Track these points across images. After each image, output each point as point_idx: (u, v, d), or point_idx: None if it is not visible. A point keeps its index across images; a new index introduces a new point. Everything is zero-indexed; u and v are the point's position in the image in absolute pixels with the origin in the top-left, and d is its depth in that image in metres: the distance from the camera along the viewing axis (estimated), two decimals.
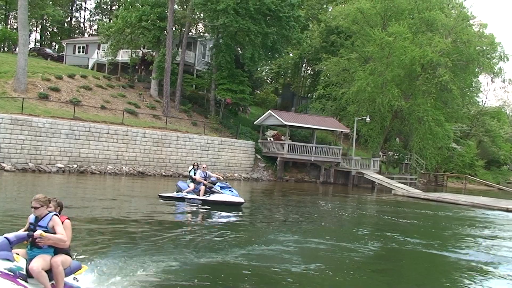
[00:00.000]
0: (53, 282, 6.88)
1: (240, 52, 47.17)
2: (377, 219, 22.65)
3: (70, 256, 7.38)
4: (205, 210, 19.84)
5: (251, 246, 13.06)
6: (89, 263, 9.60)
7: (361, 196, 35.81)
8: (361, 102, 46.23)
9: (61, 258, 7.03)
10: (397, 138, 54.95)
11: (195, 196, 21.26)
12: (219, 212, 19.56)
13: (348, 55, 48.51)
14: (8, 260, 6.46)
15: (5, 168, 28.63)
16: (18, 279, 6.35)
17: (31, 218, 7.11)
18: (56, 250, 7.10)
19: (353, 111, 46.61)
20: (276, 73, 71.65)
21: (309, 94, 68.37)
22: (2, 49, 67.40)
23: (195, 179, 21.64)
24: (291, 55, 63.11)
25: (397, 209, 27.74)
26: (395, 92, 43.15)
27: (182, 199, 21.31)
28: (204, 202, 20.95)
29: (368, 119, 44.18)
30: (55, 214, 7.15)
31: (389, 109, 44.81)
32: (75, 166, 32.02)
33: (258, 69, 56.55)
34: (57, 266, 6.90)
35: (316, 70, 60.12)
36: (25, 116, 31.37)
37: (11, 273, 6.29)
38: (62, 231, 7.03)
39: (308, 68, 70.74)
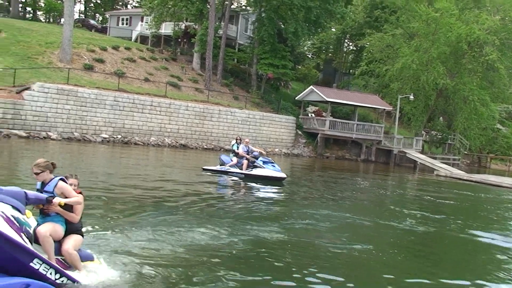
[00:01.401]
0: (58, 257, 6.54)
1: (283, 26, 46.76)
2: (419, 199, 22.37)
3: (82, 234, 7.01)
4: (247, 184, 19.95)
5: (293, 221, 13.08)
6: (123, 230, 9.81)
7: (403, 175, 35.42)
8: (405, 79, 45.40)
9: (72, 243, 6.69)
10: (441, 118, 53.87)
11: (237, 170, 21.37)
12: (261, 186, 19.64)
13: (392, 31, 47.57)
14: (19, 211, 6.08)
15: (51, 137, 29.34)
16: (22, 234, 5.94)
17: (38, 184, 6.73)
18: (67, 226, 6.77)
19: (396, 89, 45.83)
20: (318, 48, 71.00)
21: (351, 70, 67.59)
22: (48, 20, 68.52)
23: (238, 153, 21.73)
24: (333, 30, 62.34)
25: (440, 189, 27.34)
26: (440, 70, 42.21)
27: (225, 173, 21.45)
28: (247, 176, 21.04)
29: (411, 97, 43.41)
30: (60, 179, 6.73)
31: (433, 88, 43.91)
32: (119, 136, 32.58)
33: (300, 44, 56.03)
34: (68, 254, 6.58)
35: (359, 45, 59.19)
36: (71, 87, 31.96)
37: (17, 224, 5.91)
38: (74, 194, 6.71)
39: (350, 43, 69.81)
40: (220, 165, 22.10)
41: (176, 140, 35.21)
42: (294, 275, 8.24)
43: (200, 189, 17.72)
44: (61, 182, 6.67)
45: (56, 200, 6.42)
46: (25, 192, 6.24)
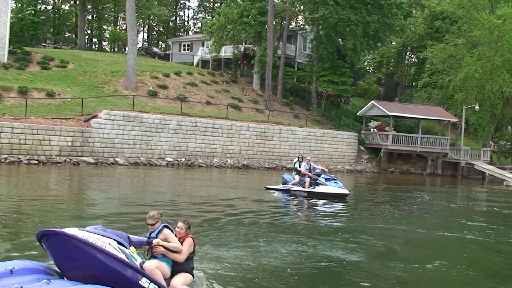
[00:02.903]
0: None
1: (341, 42, 46.71)
2: (488, 212, 21.69)
3: (192, 274, 7.35)
4: (310, 202, 19.95)
5: (361, 237, 12.98)
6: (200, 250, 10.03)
7: (471, 187, 34.40)
8: (469, 89, 44.24)
9: (181, 279, 7.07)
10: (509, 127, 52.08)
11: (300, 188, 21.39)
12: (325, 203, 19.59)
13: (454, 40, 46.58)
14: (124, 246, 6.47)
15: (119, 163, 30.32)
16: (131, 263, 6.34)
17: (148, 233, 7.26)
18: (175, 267, 7.14)
19: (461, 99, 44.71)
20: (378, 63, 70.22)
21: (413, 83, 66.49)
22: (113, 49, 71.16)
23: (300, 171, 21.76)
24: (394, 43, 61.62)
25: (510, 201, 26.39)
26: (505, 77, 40.94)
27: (288, 191, 21.52)
28: (310, 194, 21.03)
29: (477, 107, 42.24)
30: (165, 226, 7.19)
31: (499, 96, 42.55)
32: (183, 159, 33.30)
33: (360, 59, 55.72)
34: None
35: (421, 57, 58.24)
36: (136, 113, 33.02)
37: (124, 255, 6.26)
38: (176, 241, 7.09)
39: (412, 56, 68.75)
40: (283, 184, 22.21)
41: (238, 160, 35.63)
42: None
43: (265, 208, 17.86)
44: (165, 229, 7.15)
45: (155, 241, 6.90)
46: (127, 235, 6.76)
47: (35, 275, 4.91)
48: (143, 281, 6.24)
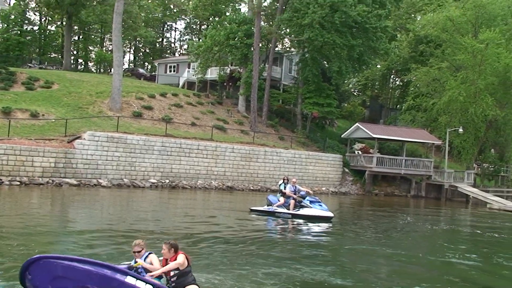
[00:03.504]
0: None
1: (327, 65, 47.06)
2: (472, 234, 21.76)
3: (197, 285, 7.80)
4: (295, 224, 19.88)
5: (343, 260, 12.93)
6: None
7: (455, 210, 34.55)
8: (453, 112, 44.66)
9: None
10: (492, 149, 52.55)
11: (285, 210, 21.34)
12: (309, 226, 19.53)
13: (438, 64, 47.13)
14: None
15: (102, 184, 30.05)
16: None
17: (132, 262, 7.70)
18: (179, 282, 7.59)
19: (444, 122, 45.10)
20: (363, 85, 70.82)
21: (398, 106, 67.03)
22: (98, 70, 71.07)
23: (285, 193, 21.73)
24: (378, 66, 62.21)
25: (493, 223, 26.51)
26: (489, 101, 41.41)
27: (272, 213, 21.45)
28: (294, 216, 20.98)
29: (461, 130, 42.62)
30: (150, 253, 7.80)
31: (483, 119, 43.02)
32: (167, 181, 33.10)
33: (345, 82, 56.16)
34: None
35: (405, 80, 58.86)
36: (120, 134, 32.84)
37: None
38: (157, 265, 7.61)
39: (396, 79, 69.40)
40: (268, 206, 22.14)
41: (223, 182, 35.50)
42: None
43: (249, 230, 17.78)
44: (150, 255, 7.79)
45: (136, 263, 7.52)
46: None
47: None
48: (129, 279, 6.48)
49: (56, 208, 21.21)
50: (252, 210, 22.43)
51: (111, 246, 12.59)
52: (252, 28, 45.27)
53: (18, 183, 27.18)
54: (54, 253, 6.20)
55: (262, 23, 47.86)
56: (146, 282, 6.72)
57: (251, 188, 36.31)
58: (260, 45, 46.59)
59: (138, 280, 6.51)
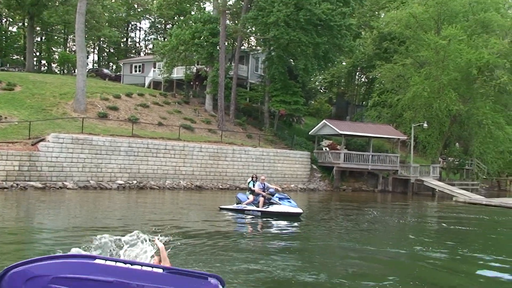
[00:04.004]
0: None
1: (293, 63, 47.23)
2: (438, 227, 22.12)
3: None
4: (264, 221, 19.88)
5: (311, 255, 12.97)
6: None
7: (421, 203, 35.03)
8: (418, 107, 45.32)
9: None
10: (457, 143, 53.50)
11: (254, 208, 21.32)
12: (279, 223, 19.55)
13: (402, 61, 47.74)
14: None
15: (67, 187, 29.55)
16: None
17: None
18: None
19: (409, 118, 45.74)
20: (329, 83, 71.31)
21: (363, 102, 67.70)
22: (62, 71, 69.94)
23: (254, 190, 21.71)
24: (344, 63, 62.73)
25: (459, 216, 26.98)
26: (452, 96, 42.09)
27: (241, 211, 21.41)
28: (263, 213, 20.97)
29: (425, 125, 43.26)
30: None
31: (447, 114, 43.73)
32: (134, 182, 32.75)
33: (312, 79, 56.46)
34: None
35: (370, 77, 59.45)
36: (85, 135, 32.36)
37: None
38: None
39: (362, 76, 70.10)
40: (237, 204, 22.10)
41: (191, 182, 35.30)
42: None
43: (219, 228, 17.70)
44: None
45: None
46: None
47: None
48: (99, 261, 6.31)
49: (22, 211, 20.76)
50: (221, 209, 22.38)
51: (78, 243, 12.32)
52: (218, 26, 45.17)
53: None
54: (21, 260, 6.10)
55: (227, 21, 47.80)
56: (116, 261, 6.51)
57: (220, 187, 36.20)
58: (226, 43, 46.58)
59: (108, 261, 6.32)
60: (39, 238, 14.36)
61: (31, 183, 28.40)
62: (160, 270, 6.36)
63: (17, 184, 27.82)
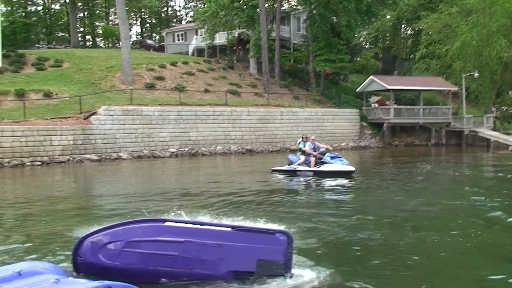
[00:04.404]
0: None
1: (335, 20, 46.37)
2: (495, 177, 21.63)
3: None
4: (317, 181, 19.85)
5: (368, 212, 12.88)
6: None
7: (476, 155, 34.27)
8: (467, 57, 43.93)
9: None
10: (510, 92, 51.80)
11: (306, 168, 21.28)
12: (331, 182, 19.49)
13: (448, 10, 46.18)
14: None
15: (122, 157, 30.27)
16: None
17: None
18: None
19: (459, 68, 44.43)
20: (374, 38, 69.80)
21: (411, 55, 66.06)
22: (107, 45, 70.84)
23: (305, 151, 21.66)
24: (388, 17, 61.21)
25: None
26: (502, 43, 40.60)
27: (293, 172, 21.41)
28: (315, 173, 20.92)
29: (476, 74, 42.01)
30: None
31: (498, 62, 42.24)
32: (186, 149, 33.24)
33: (356, 35, 55.37)
34: None
35: (416, 29, 57.87)
36: (135, 107, 32.90)
37: None
38: None
39: (407, 28, 68.30)
40: (289, 165, 22.11)
41: (241, 146, 35.55)
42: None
43: (272, 188, 17.79)
44: None
45: None
46: None
47: (44, 276, 4.85)
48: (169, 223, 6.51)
49: (81, 182, 21.43)
50: (273, 170, 22.45)
51: (140, 208, 12.61)
52: None
53: (40, 163, 27.42)
54: (93, 229, 6.41)
55: None
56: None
57: (270, 149, 36.33)
58: (266, 5, 45.96)
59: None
60: (101, 205, 14.83)
61: (87, 155, 29.19)
62: (228, 229, 6.47)
63: (73, 158, 28.64)
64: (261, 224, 10.03)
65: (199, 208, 13.11)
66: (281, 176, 21.25)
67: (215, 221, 7.77)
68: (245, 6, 45.26)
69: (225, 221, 10.25)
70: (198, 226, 6.40)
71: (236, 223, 7.84)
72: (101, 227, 6.60)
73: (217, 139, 34.97)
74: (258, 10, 44.42)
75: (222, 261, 6.22)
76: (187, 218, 9.10)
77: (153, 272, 6.07)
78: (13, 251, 8.83)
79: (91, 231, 6.43)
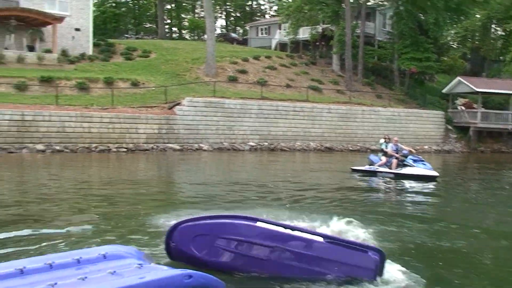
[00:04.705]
0: None
1: (423, 17, 45.07)
2: None
3: None
4: (398, 183, 19.41)
5: (452, 221, 12.42)
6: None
7: None
8: None
9: None
10: None
11: (387, 170, 20.83)
12: (412, 186, 18.98)
13: None
14: None
15: (203, 148, 30.86)
16: None
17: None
18: None
19: None
20: (462, 37, 67.22)
21: (501, 57, 63.26)
22: (192, 37, 72.30)
23: (387, 152, 21.22)
24: (478, 16, 58.85)
25: None
26: None
27: (374, 173, 21.02)
28: (397, 176, 20.44)
29: None
30: None
31: None
32: (265, 144, 33.41)
33: (443, 34, 53.60)
34: None
35: (508, 30, 55.31)
36: (217, 99, 33.41)
37: None
38: None
39: (498, 28, 65.39)
40: (369, 165, 21.74)
41: (321, 143, 35.33)
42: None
43: (352, 189, 17.55)
44: None
45: None
46: None
47: (127, 260, 5.00)
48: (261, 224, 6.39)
49: (165, 170, 22.06)
50: (353, 170, 22.13)
51: (219, 199, 12.78)
52: None
53: (125, 149, 28.42)
54: (185, 218, 6.55)
55: None
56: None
57: (350, 148, 35.90)
58: (352, 0, 45.32)
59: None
60: (182, 192, 15.20)
61: (170, 145, 29.98)
62: (321, 239, 6.33)
63: (157, 146, 29.52)
64: (351, 233, 9.88)
65: (277, 201, 13.17)
66: (361, 176, 20.94)
67: (305, 226, 7.67)
68: (330, 1, 44.80)
69: (307, 221, 10.19)
70: (289, 230, 6.33)
71: (328, 233, 7.67)
72: (194, 216, 6.72)
73: (297, 135, 34.92)
74: (343, 5, 43.89)
75: (311, 273, 6.16)
76: (271, 217, 9.07)
77: (240, 271, 6.12)
78: (98, 231, 9.17)
79: (185, 218, 6.57)
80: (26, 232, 8.90)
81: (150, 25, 74.75)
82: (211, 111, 32.41)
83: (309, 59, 48.04)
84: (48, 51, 36.41)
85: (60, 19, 36.62)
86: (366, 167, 21.76)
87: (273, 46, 57.87)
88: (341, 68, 45.93)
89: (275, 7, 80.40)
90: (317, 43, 52.43)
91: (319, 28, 51.77)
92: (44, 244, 7.91)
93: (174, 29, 77.50)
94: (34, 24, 36.96)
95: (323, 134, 35.82)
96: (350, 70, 42.51)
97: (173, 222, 6.88)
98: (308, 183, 18.20)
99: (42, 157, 25.05)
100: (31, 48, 36.47)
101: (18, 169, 21.12)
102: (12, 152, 25.23)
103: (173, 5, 74.11)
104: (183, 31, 76.61)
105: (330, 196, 14.99)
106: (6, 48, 35.10)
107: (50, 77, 31.76)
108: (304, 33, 52.90)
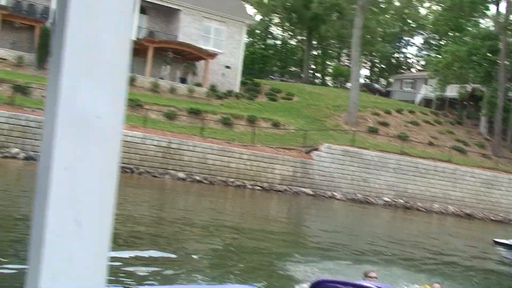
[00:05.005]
0: None
1: None
2: None
3: None
4: None
5: None
6: None
7: None
8: None
9: None
10: None
11: None
12: None
13: None
14: None
15: (336, 197, 30.47)
16: None
17: None
18: None
19: None
20: None
21: None
22: (335, 84, 72.73)
23: None
24: None
25: None
26: None
27: None
28: None
29: None
30: None
31: None
32: (401, 201, 32.30)
33: None
34: None
35: None
36: (355, 149, 33.00)
37: None
38: None
39: None
40: None
41: (460, 208, 33.46)
42: None
43: (491, 264, 16.33)
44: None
45: None
46: None
47: None
48: None
49: (301, 214, 22.20)
50: (496, 243, 20.54)
51: (349, 264, 12.37)
52: (498, 44, 42.18)
53: (260, 188, 28.81)
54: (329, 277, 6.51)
55: (509, 38, 44.37)
56: None
57: (492, 218, 33.63)
58: (507, 62, 43.16)
59: None
60: (311, 237, 15.01)
61: (303, 189, 29.97)
62: None
63: (290, 188, 29.61)
64: None
65: (410, 261, 12.57)
66: (505, 251, 19.37)
67: None
68: (482, 61, 42.99)
69: None
70: None
71: None
72: (339, 279, 6.59)
73: (435, 195, 33.39)
74: (497, 66, 41.91)
75: None
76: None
77: None
78: (222, 263, 9.23)
79: (332, 278, 6.50)
80: (154, 253, 9.29)
81: (295, 68, 76.28)
82: (348, 160, 32.04)
83: (455, 118, 46.20)
84: (199, 84, 38.33)
85: (213, 55, 38.50)
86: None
87: (417, 101, 56.42)
88: (489, 131, 43.62)
89: (423, 62, 78.86)
90: (465, 103, 50.37)
91: (468, 87, 49.76)
92: (170, 266, 8.20)
93: (317, 74, 78.47)
94: (189, 58, 39.22)
95: (464, 198, 33.92)
96: (499, 134, 40.30)
97: (313, 275, 6.86)
98: (445, 248, 17.21)
99: (182, 184, 26.14)
100: (183, 80, 38.68)
101: (160, 192, 22.21)
102: (155, 177, 26.58)
103: (319, 51, 75.19)
104: (326, 78, 77.31)
105: (469, 265, 14.04)
106: (161, 78, 37.45)
107: (198, 110, 33.32)
108: (451, 91, 51.05)
